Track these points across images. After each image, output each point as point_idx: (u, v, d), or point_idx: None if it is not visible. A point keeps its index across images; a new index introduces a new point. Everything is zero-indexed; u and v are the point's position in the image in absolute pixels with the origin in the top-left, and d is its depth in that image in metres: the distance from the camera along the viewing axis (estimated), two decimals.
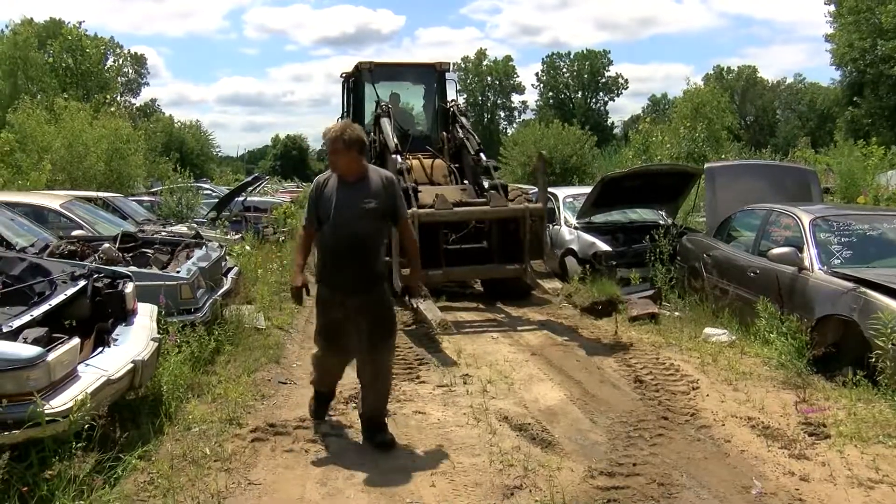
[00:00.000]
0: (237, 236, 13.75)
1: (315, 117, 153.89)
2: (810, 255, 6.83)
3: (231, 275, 8.54)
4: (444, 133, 11.29)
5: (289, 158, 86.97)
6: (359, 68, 11.89)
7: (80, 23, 46.62)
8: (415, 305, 8.10)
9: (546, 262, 9.12)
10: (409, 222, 5.12)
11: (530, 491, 4.12)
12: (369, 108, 11.94)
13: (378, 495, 4.15)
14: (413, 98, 13.23)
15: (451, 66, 12.68)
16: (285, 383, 6.33)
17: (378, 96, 11.49)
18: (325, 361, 5.12)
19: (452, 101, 11.50)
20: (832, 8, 44.96)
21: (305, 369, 6.73)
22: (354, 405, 5.66)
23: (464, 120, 10.92)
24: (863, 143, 17.71)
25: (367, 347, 4.74)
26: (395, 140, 10.24)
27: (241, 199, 17.52)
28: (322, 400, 5.33)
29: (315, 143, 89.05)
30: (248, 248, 12.36)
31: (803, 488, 4.16)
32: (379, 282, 4.82)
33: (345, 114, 12.80)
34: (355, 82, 12.34)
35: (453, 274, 9.16)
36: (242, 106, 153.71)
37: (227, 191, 18.71)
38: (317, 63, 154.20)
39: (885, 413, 5.07)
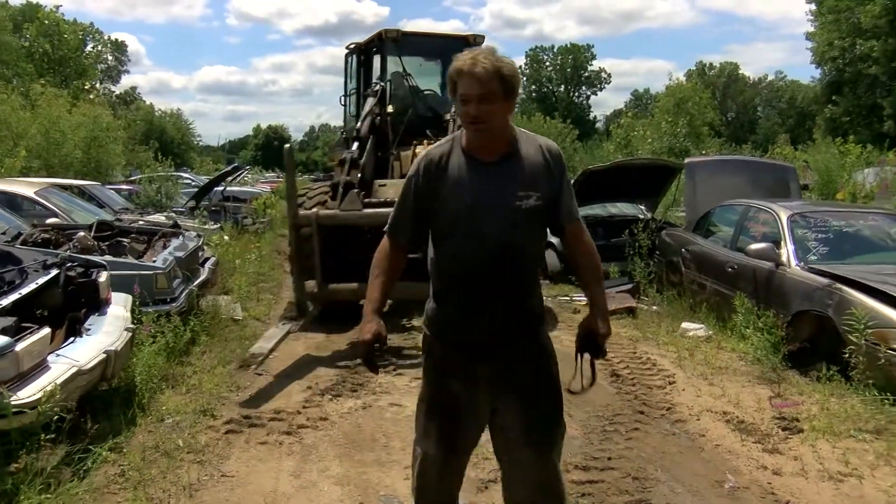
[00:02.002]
0: (216, 226, 13.66)
1: (297, 107, 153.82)
2: (787, 251, 6.86)
3: (208, 265, 8.47)
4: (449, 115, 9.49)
5: (270, 149, 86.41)
6: (382, 37, 10.04)
7: (57, 7, 45.93)
8: None
9: None
10: (583, 226, 2.93)
11: None
12: (391, 87, 10.22)
13: (352, 488, 4.13)
14: (430, 75, 11.01)
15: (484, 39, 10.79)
16: (261, 375, 6.28)
17: (404, 69, 10.04)
18: (431, 466, 3.00)
19: None
20: (813, 7, 45.30)
21: (282, 360, 6.73)
22: (331, 397, 5.66)
23: None
24: (841, 141, 17.88)
25: (522, 441, 2.85)
26: (367, 126, 8.90)
27: (220, 188, 17.42)
28: None
29: (297, 133, 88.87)
30: (226, 238, 12.29)
31: (775, 482, 4.19)
32: (537, 327, 2.90)
33: (349, 95, 11.32)
34: (368, 55, 10.70)
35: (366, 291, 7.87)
36: (224, 95, 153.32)
37: (207, 180, 18.59)
38: (300, 53, 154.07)
39: (856, 408, 5.11)
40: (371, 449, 4.68)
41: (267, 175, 48.51)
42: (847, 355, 5.46)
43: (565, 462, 4.35)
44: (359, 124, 8.97)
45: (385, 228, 2.94)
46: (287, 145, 7.23)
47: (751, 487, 4.12)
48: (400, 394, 5.73)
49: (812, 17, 45.64)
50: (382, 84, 9.56)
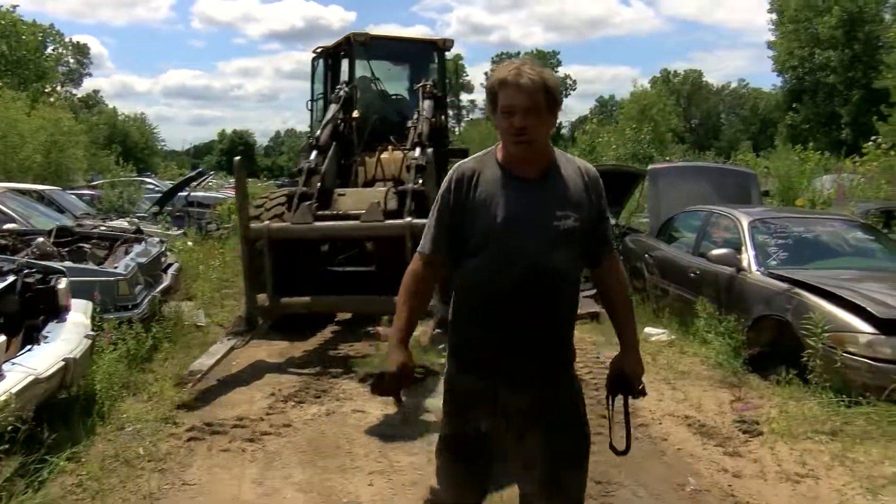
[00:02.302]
0: (179, 232, 13.52)
1: (263, 112, 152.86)
2: (748, 256, 6.96)
3: (171, 271, 8.39)
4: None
5: (235, 154, 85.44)
6: (350, 41, 9.97)
7: (13, 6, 44.97)
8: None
9: (436, 297, 6.83)
10: (617, 258, 2.84)
11: None
12: (359, 92, 10.04)
13: (315, 495, 4.11)
14: (398, 79, 11.03)
15: (453, 43, 10.97)
16: (223, 381, 6.22)
17: (373, 73, 10.02)
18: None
19: (426, 81, 9.67)
20: (774, 16, 46.14)
21: (246, 368, 6.67)
22: (295, 404, 5.63)
23: (425, 104, 9.19)
24: (800, 148, 18.20)
25: (547, 479, 2.62)
26: (327, 134, 8.68)
27: (184, 193, 17.25)
28: None
29: (262, 139, 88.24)
30: (190, 243, 12.17)
31: (735, 484, 4.25)
32: (570, 360, 2.71)
33: (315, 99, 11.06)
34: (336, 59, 10.58)
35: (320, 304, 7.28)
36: (189, 99, 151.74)
37: (171, 185, 18.38)
38: (266, 58, 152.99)
39: (813, 410, 5.20)
40: (334, 455, 4.66)
41: (232, 180, 48.05)
42: (805, 359, 5.56)
43: None
44: (318, 132, 8.81)
45: (420, 249, 2.68)
46: (237, 158, 7.17)
47: (711, 490, 4.18)
48: (363, 400, 5.71)
49: (773, 27, 46.50)
50: (346, 90, 9.43)
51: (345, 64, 10.19)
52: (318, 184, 7.91)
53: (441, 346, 5.69)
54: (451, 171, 2.69)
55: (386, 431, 5.05)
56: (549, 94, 2.49)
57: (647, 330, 7.72)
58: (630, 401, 2.72)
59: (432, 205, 2.71)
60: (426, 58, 10.77)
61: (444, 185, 2.68)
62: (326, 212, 7.54)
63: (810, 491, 4.16)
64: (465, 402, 2.64)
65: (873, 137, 16.99)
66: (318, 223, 7.16)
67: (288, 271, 7.09)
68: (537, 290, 2.51)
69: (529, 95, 2.45)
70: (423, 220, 6.76)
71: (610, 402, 2.73)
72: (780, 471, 4.38)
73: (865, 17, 40.29)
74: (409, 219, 6.88)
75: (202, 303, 8.74)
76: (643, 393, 2.70)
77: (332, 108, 9.10)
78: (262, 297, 6.92)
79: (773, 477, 4.32)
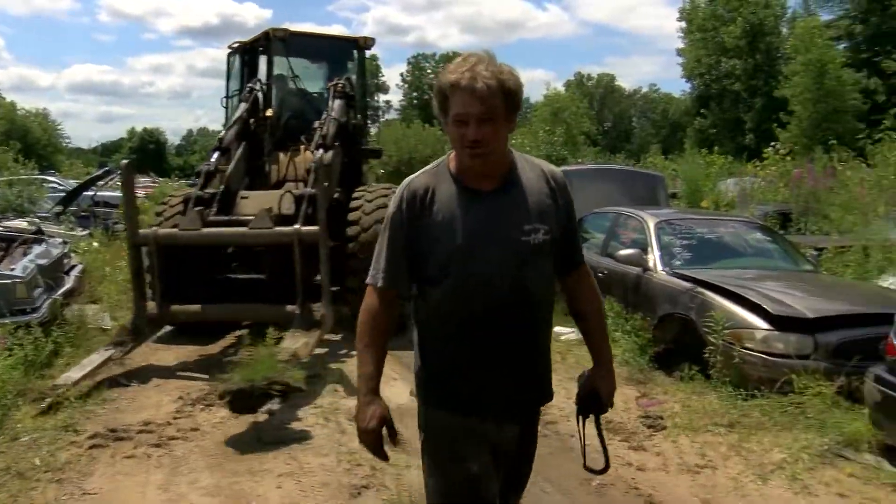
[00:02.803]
0: (84, 232, 13.06)
1: (175, 110, 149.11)
2: (654, 256, 7.17)
3: (75, 272, 8.12)
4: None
5: (145, 152, 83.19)
6: (269, 36, 9.64)
7: None
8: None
9: (326, 305, 6.55)
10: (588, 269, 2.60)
11: (377, 490, 4.13)
12: (276, 90, 9.87)
13: (223, 499, 4.05)
14: (317, 78, 10.65)
15: (374, 41, 10.67)
16: (129, 385, 6.06)
17: (292, 70, 9.74)
18: None
19: (338, 80, 9.37)
20: (683, 24, 47.67)
21: (153, 371, 6.50)
22: (203, 407, 5.51)
23: (336, 103, 8.92)
24: (706, 152, 18.90)
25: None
26: (233, 134, 8.47)
27: (90, 193, 16.68)
28: None
29: (174, 137, 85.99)
30: (95, 244, 11.77)
31: (639, 477, 4.39)
32: (545, 386, 2.48)
33: (230, 96, 10.49)
34: (253, 54, 10.19)
35: (211, 312, 6.98)
36: (97, 95, 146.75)
37: (76, 184, 17.74)
38: (178, 54, 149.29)
39: (713, 404, 5.41)
40: (243, 458, 4.59)
41: (142, 179, 46.67)
42: (707, 355, 5.77)
43: None
44: (223, 132, 8.60)
45: (368, 281, 2.38)
46: (125, 160, 7.04)
47: (616, 484, 4.30)
48: (273, 403, 5.63)
49: (682, 35, 48.06)
50: (257, 87, 9.23)
51: (263, 60, 9.91)
52: (222, 186, 7.75)
53: (302, 360, 5.66)
54: (400, 188, 2.39)
55: (296, 434, 5.00)
56: (509, 98, 2.22)
57: (557, 329, 7.85)
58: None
59: (380, 227, 2.45)
60: (346, 56, 10.59)
61: (392, 205, 2.37)
62: (220, 217, 7.35)
63: (708, 480, 4.34)
64: (452, 450, 2.35)
65: (773, 143, 17.75)
66: (206, 230, 7.00)
67: (179, 278, 6.93)
68: (514, 315, 2.29)
69: (484, 102, 2.18)
70: (313, 228, 6.44)
71: (581, 422, 2.56)
72: (681, 463, 4.54)
73: (766, 30, 42.08)
74: (297, 226, 6.75)
75: (108, 306, 8.46)
76: (610, 406, 2.56)
77: (242, 106, 8.92)
78: (151, 306, 6.77)
79: (674, 469, 4.48)
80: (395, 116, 68.36)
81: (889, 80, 33.19)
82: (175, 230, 7.12)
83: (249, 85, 9.30)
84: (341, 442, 4.79)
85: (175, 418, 5.26)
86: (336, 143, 8.37)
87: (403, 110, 72.71)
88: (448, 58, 79.22)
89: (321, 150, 7.90)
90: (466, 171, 2.31)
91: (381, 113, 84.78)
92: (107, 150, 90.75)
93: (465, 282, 2.27)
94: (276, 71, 9.79)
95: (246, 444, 4.80)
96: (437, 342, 2.38)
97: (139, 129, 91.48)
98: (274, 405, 4.97)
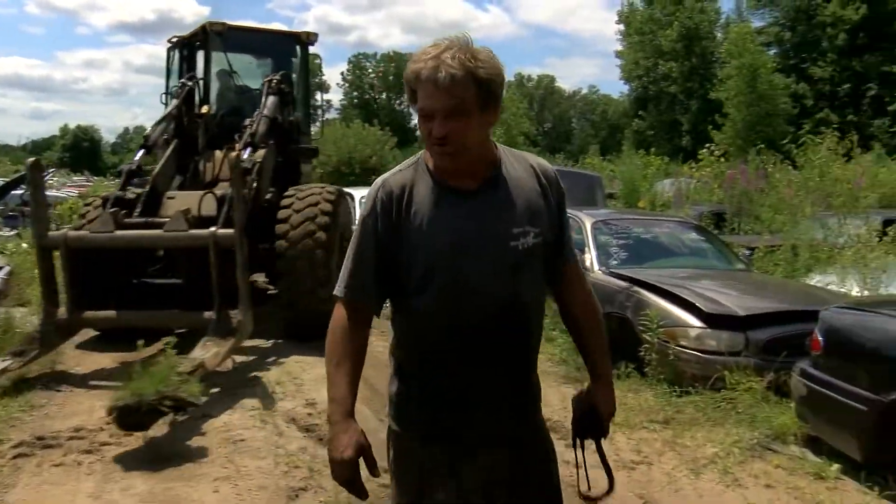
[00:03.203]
0: (12, 232, 12.67)
1: (111, 107, 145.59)
2: (591, 256, 7.27)
3: (1, 274, 7.85)
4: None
5: (79, 150, 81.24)
6: (206, 30, 9.30)
7: None
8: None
9: (243, 312, 6.21)
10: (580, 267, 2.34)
11: (315, 492, 4.10)
12: (215, 86, 9.63)
13: None
14: (260, 74, 10.04)
15: (317, 37, 10.33)
16: (60, 391, 5.89)
17: (230, 66, 9.43)
18: None
19: (273, 76, 8.97)
20: (622, 27, 48.48)
21: (86, 375, 6.34)
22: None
23: (269, 100, 8.57)
24: (644, 153, 19.25)
25: None
26: (165, 135, 8.23)
27: (19, 192, 16.16)
28: None
29: (109, 135, 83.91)
30: (24, 245, 11.41)
31: (576, 475, 4.42)
32: (537, 405, 2.26)
33: (170, 93, 9.75)
34: (192, 49, 9.78)
35: (126, 319, 6.63)
36: (26, 90, 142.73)
37: (3, 183, 17.16)
38: (114, 50, 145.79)
39: (649, 401, 5.53)
40: (179, 463, 4.49)
41: (75, 178, 45.50)
42: (642, 353, 5.88)
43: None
44: (149, 129, 8.26)
45: (336, 292, 2.11)
46: (32, 159, 6.72)
47: None
48: (210, 405, 5.55)
49: (621, 37, 48.87)
50: (189, 83, 8.92)
51: (201, 56, 9.60)
52: (148, 186, 7.52)
53: (209, 370, 5.43)
54: (373, 188, 2.13)
55: (232, 436, 4.92)
56: (482, 89, 1.95)
57: None
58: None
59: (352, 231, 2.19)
60: (289, 52, 10.27)
61: (366, 205, 2.13)
62: (137, 219, 7.07)
63: (644, 476, 4.42)
64: (420, 478, 2.12)
65: (708, 145, 18.18)
66: (119, 232, 6.69)
67: (93, 283, 6.70)
68: (502, 330, 2.05)
69: (450, 94, 1.92)
70: (229, 231, 6.24)
71: (579, 445, 2.34)
72: (617, 459, 4.60)
73: (701, 34, 43.08)
74: (213, 228, 6.47)
75: (36, 308, 8.20)
76: (607, 432, 2.32)
77: (173, 102, 8.65)
78: (61, 311, 6.54)
79: (611, 465, 4.54)
80: (335, 116, 67.94)
81: (816, 86, 34.42)
82: (85, 233, 6.86)
83: (182, 80, 9.01)
84: (278, 444, 4.74)
85: (108, 423, 5.11)
86: (270, 142, 8.17)
87: (344, 110, 72.24)
88: (390, 57, 79.88)
89: (248, 150, 7.66)
90: (442, 168, 2.06)
91: (321, 112, 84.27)
92: (38, 148, 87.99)
93: (451, 292, 2.02)
94: (216, 66, 9.51)
95: (181, 448, 4.70)
96: (417, 362, 2.13)
97: (72, 126, 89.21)
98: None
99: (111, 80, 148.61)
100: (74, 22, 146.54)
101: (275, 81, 8.82)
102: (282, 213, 7.46)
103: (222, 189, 7.39)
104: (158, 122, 8.34)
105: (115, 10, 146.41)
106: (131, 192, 7.52)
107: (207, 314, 6.25)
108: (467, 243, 2.02)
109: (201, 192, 7.50)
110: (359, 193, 12.93)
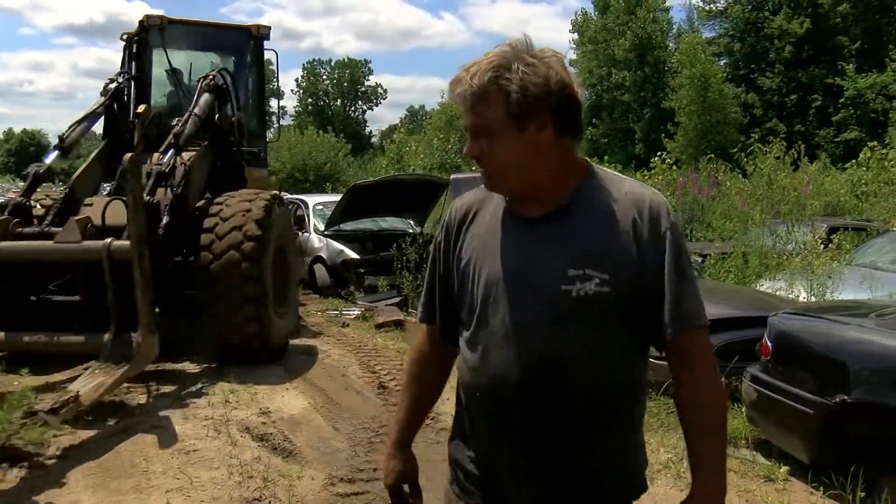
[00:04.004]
0: None
1: (58, 111, 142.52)
2: None
3: None
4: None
5: (25, 155, 79.32)
6: (145, 25, 8.78)
7: None
8: None
9: (144, 334, 5.48)
10: (703, 340, 1.74)
11: (269, 502, 4.06)
12: (159, 86, 9.09)
13: None
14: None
15: (270, 31, 9.67)
16: None
17: (170, 63, 8.86)
18: None
19: (211, 73, 8.27)
20: (576, 36, 49.00)
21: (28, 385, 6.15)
22: (86, 422, 5.23)
23: (203, 98, 7.78)
24: (598, 161, 19.44)
25: None
26: (78, 133, 7.52)
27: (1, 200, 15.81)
28: None
29: (56, 140, 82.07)
30: None
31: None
32: (615, 487, 1.78)
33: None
34: (139, 46, 9.06)
35: (12, 342, 6.05)
36: None
37: None
38: (60, 52, 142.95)
39: None
40: (129, 475, 4.39)
41: (20, 184, 44.43)
42: None
43: (331, 476, 4.38)
44: (67, 130, 7.44)
45: (418, 314, 2.01)
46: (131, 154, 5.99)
47: None
48: (161, 416, 5.45)
49: (575, 46, 49.37)
50: (120, 81, 8.28)
51: (146, 52, 9.07)
52: (67, 190, 6.98)
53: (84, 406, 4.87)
54: (452, 205, 1.96)
55: (185, 447, 4.83)
56: (515, 104, 1.65)
57: None
58: None
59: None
60: (240, 47, 9.68)
61: (444, 222, 1.95)
62: (32, 228, 6.45)
63: None
64: None
65: (660, 153, 18.43)
66: (1, 244, 6.03)
67: None
68: (541, 396, 1.69)
69: (474, 111, 1.70)
70: (125, 243, 5.64)
71: None
72: None
73: (654, 44, 43.73)
74: (109, 239, 5.80)
75: None
76: None
77: (97, 101, 8.03)
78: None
79: None
80: (290, 122, 67.52)
81: (764, 96, 35.17)
82: None
83: (111, 77, 8.34)
84: (233, 454, 4.66)
85: (54, 436, 4.98)
86: (204, 144, 7.61)
87: (298, 116, 71.79)
88: (344, 64, 79.48)
89: (170, 152, 6.95)
90: (499, 192, 1.82)
91: (276, 118, 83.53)
92: None
93: (480, 340, 1.76)
94: (167, 64, 9.03)
95: (131, 459, 4.60)
96: (465, 415, 1.88)
97: (18, 130, 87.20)
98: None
99: (58, 84, 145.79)
100: (17, 23, 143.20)
101: (210, 77, 8.10)
102: (208, 222, 6.67)
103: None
104: (79, 122, 7.66)
105: (61, 12, 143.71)
106: (48, 199, 7.02)
107: (107, 336, 5.66)
108: (511, 280, 1.72)
109: (107, 198, 6.92)
110: (312, 200, 12.89)
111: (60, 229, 6.13)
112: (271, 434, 5.05)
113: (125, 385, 6.01)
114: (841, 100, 30.52)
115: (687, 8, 43.98)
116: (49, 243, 5.96)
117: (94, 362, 5.36)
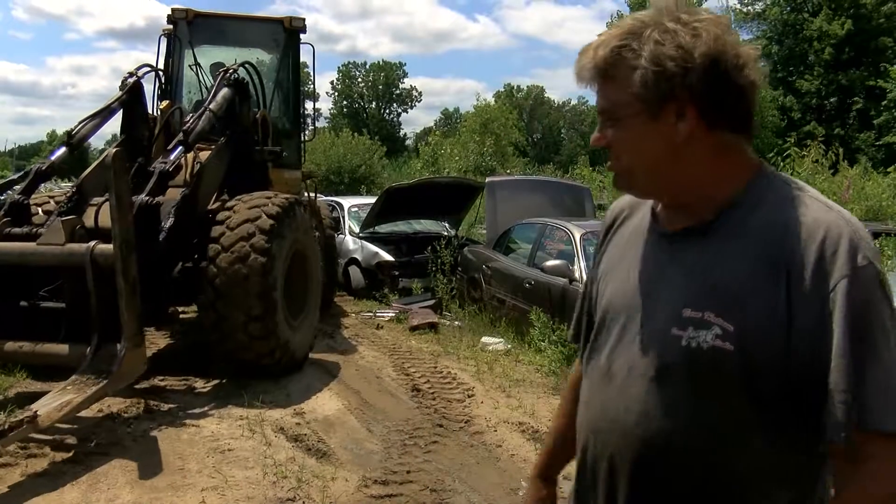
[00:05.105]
0: None
1: None
2: (580, 267, 7.30)
3: None
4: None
5: (68, 158, 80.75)
6: (173, 19, 8.51)
7: None
8: None
9: (127, 348, 5.02)
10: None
11: (303, 502, 4.09)
12: (191, 84, 8.74)
13: None
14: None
15: (305, 23, 9.14)
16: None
17: (195, 58, 8.52)
18: None
19: (232, 66, 7.68)
20: None
21: None
22: (124, 420, 5.34)
23: (222, 93, 7.22)
24: None
25: None
26: (87, 130, 7.04)
27: (3, 198, 16.08)
28: None
29: (98, 142, 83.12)
30: None
31: (566, 487, 4.43)
32: None
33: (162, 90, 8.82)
34: (169, 41, 8.77)
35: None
36: (12, 95, 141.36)
37: None
38: (102, 56, 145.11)
39: None
40: (165, 473, 4.46)
41: (62, 185, 45.20)
42: None
43: (364, 477, 4.41)
44: (77, 125, 6.95)
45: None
46: (114, 149, 5.62)
47: None
48: (197, 415, 5.53)
49: None
50: (138, 76, 7.67)
51: (177, 47, 8.77)
52: (73, 189, 6.54)
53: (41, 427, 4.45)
54: (611, 208, 1.64)
55: (220, 446, 4.90)
56: (638, 80, 1.27)
57: (485, 339, 7.95)
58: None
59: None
60: (273, 41, 9.20)
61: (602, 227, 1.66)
62: (21, 229, 6.00)
63: None
64: None
65: None
66: None
67: None
68: (632, 466, 1.34)
69: (600, 92, 1.36)
70: (108, 247, 5.19)
71: None
72: None
73: None
74: (93, 243, 5.36)
75: None
76: None
77: (114, 95, 7.47)
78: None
79: None
80: (324, 125, 67.94)
81: (803, 99, 34.69)
82: None
83: (129, 72, 7.79)
84: (267, 454, 4.71)
85: (94, 433, 5.09)
86: (221, 141, 7.10)
87: (333, 118, 72.18)
88: (378, 66, 79.69)
89: (177, 151, 6.51)
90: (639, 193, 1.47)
91: (310, 121, 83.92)
92: (25, 153, 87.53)
93: (588, 372, 1.48)
94: (203, 59, 8.74)
95: (168, 459, 4.68)
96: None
97: (60, 131, 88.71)
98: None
99: (99, 86, 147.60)
100: (63, 28, 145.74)
101: (230, 72, 7.52)
102: (215, 230, 6.15)
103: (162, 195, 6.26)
104: (90, 117, 7.10)
105: (103, 17, 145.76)
106: (52, 203, 6.73)
107: (68, 350, 5.30)
108: (626, 307, 1.39)
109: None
110: (347, 203, 12.98)
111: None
112: (305, 435, 5.10)
113: (161, 382, 6.19)
114: (883, 102, 29.96)
115: (724, 10, 43.59)
116: (32, 245, 5.57)
117: (74, 375, 5.01)
